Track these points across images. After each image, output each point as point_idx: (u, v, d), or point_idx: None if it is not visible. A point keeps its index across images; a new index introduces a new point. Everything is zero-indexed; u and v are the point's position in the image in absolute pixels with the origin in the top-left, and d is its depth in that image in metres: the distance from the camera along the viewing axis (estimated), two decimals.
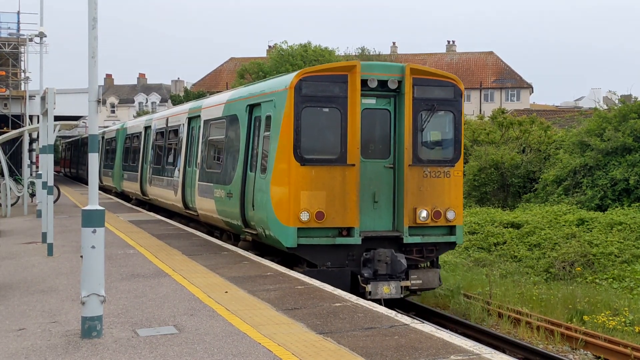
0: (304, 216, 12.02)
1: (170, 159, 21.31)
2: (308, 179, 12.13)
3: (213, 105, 17.22)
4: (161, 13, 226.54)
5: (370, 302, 9.18)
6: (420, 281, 12.68)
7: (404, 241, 12.49)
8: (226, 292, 9.87)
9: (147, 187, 24.51)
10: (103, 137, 36.05)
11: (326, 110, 12.39)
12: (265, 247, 13.79)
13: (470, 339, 11.23)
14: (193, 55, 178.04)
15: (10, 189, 25.47)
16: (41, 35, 29.98)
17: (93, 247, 7.59)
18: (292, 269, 12.15)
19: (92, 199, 7.86)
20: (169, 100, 79.58)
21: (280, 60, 53.16)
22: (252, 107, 14.14)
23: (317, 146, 12.46)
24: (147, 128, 25.72)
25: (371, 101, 12.73)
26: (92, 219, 7.62)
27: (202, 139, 17.57)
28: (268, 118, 13.11)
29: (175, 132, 20.98)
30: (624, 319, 14.02)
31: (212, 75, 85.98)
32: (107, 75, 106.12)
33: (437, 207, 12.70)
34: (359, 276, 12.19)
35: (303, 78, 12.30)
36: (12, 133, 29.30)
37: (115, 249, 14.22)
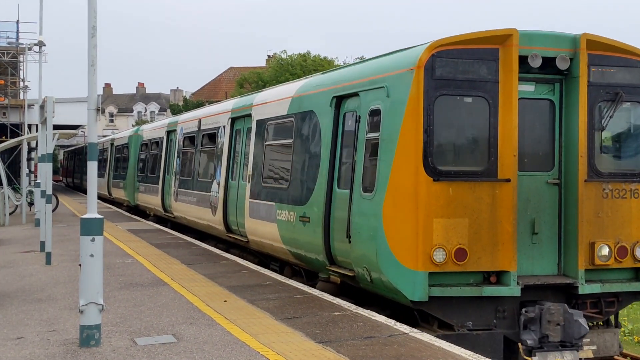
0: (439, 255, 8.51)
1: (205, 170, 17.80)
2: (443, 200, 8.59)
3: (272, 101, 13.64)
4: (160, 22, 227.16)
5: (369, 311, 9.15)
6: (594, 346, 9.07)
7: (579, 291, 8.93)
8: (225, 301, 9.84)
9: (171, 202, 20.95)
10: (112, 144, 33.44)
11: (469, 100, 8.90)
12: (365, 295, 10.19)
13: None
14: (192, 64, 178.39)
15: (9, 197, 25.43)
16: (40, 44, 30.04)
17: (91, 255, 7.58)
18: (414, 326, 8.73)
19: (91, 207, 7.85)
20: (168, 110, 79.68)
21: (280, 69, 53.19)
22: (340, 100, 10.67)
23: (457, 153, 9.08)
24: (170, 133, 22.14)
25: (528, 88, 9.21)
26: (90, 228, 7.61)
27: (255, 144, 13.91)
28: (374, 113, 9.54)
29: (212, 136, 17.42)
30: (622, 329, 14.00)
31: (211, 85, 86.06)
32: (105, 84, 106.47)
33: (621, 240, 9.19)
34: (519, 344, 8.77)
35: (437, 53, 8.67)
36: (10, 142, 29.35)
37: (113, 258, 14.19)
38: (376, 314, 8.98)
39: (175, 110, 62.85)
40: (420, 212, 8.54)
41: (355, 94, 10.16)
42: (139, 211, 27.31)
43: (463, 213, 8.65)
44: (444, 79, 8.72)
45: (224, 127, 16.14)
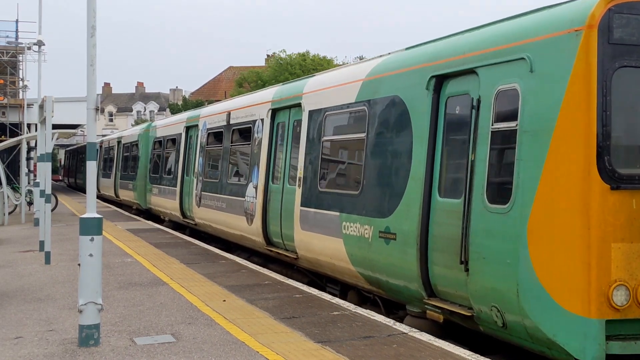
0: (620, 296, 6.22)
1: (237, 171, 15.58)
2: (625, 217, 6.30)
3: (332, 87, 11.20)
4: (159, 22, 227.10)
5: (368, 311, 9.15)
6: None
7: None
8: (224, 300, 9.83)
9: (192, 207, 18.46)
10: (120, 142, 31.24)
11: None
12: (485, 340, 7.94)
13: None
14: (191, 64, 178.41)
15: (8, 197, 25.41)
16: (39, 43, 30.00)
17: (91, 255, 7.57)
18: None
19: (90, 207, 7.84)
20: (167, 109, 79.65)
21: (279, 69, 53.20)
22: (441, 80, 8.27)
23: None
24: (190, 128, 19.77)
25: None
26: (89, 227, 7.60)
27: (308, 140, 11.60)
28: (505, 96, 7.17)
29: (245, 131, 14.98)
30: None
31: (211, 84, 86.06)
32: (105, 84, 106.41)
33: None
34: None
35: (616, 7, 6.37)
36: (10, 141, 29.30)
37: (113, 258, 14.18)
38: (375, 314, 8.98)
39: (175, 110, 62.84)
40: (592, 233, 6.17)
41: (469, 72, 7.75)
42: (151, 215, 25.04)
43: None
44: (627, 43, 6.37)
45: (262, 120, 13.75)
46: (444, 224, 7.86)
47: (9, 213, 25.22)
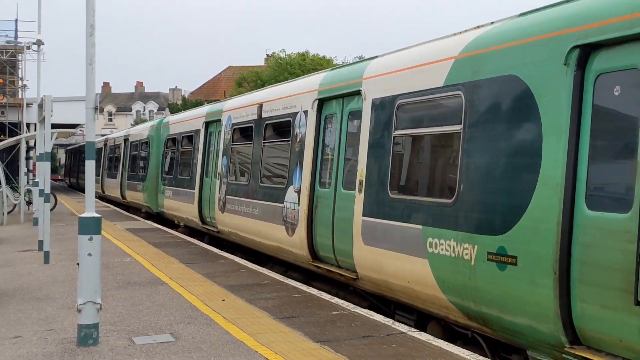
0: None
1: (273, 172, 13.59)
2: None
3: (406, 69, 9.10)
4: (159, 22, 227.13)
5: (367, 311, 9.14)
6: None
7: None
8: (223, 300, 9.83)
9: (214, 213, 16.42)
10: (127, 140, 29.11)
11: None
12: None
13: None
14: (191, 63, 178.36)
15: (7, 196, 25.41)
16: (39, 42, 29.99)
17: (89, 254, 7.56)
18: None
19: (89, 206, 7.84)
20: (167, 109, 79.65)
21: (279, 68, 53.22)
22: (588, 51, 6.28)
23: None
24: (210, 124, 17.82)
25: None
26: (88, 227, 7.59)
27: (372, 135, 9.58)
28: None
29: (282, 126, 13.06)
30: None
31: (210, 84, 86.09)
32: (104, 83, 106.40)
33: None
34: None
35: None
36: (9, 141, 29.29)
37: (112, 257, 14.17)
38: (375, 314, 8.98)
39: (174, 110, 62.78)
40: None
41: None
42: (162, 219, 23.04)
43: None
44: None
45: (305, 112, 11.83)
46: (597, 246, 5.91)
47: (8, 212, 25.22)
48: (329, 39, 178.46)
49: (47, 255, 13.81)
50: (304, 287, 10.82)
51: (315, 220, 11.09)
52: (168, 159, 22.02)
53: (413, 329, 8.14)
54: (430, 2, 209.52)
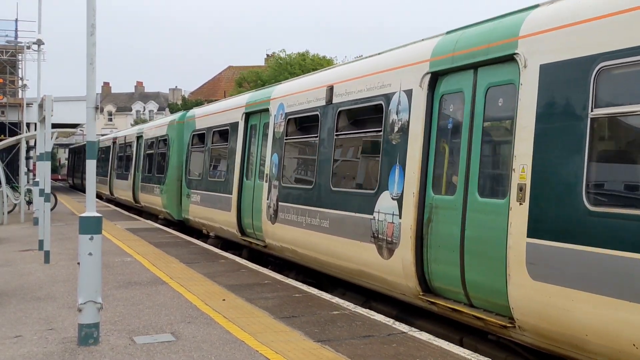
0: None
1: (350, 173, 11.14)
2: None
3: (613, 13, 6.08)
4: (159, 21, 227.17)
5: (368, 310, 9.14)
6: None
7: None
8: (224, 299, 9.83)
9: (260, 223, 13.35)
10: (141, 137, 26.26)
11: None
12: None
13: None
14: (191, 63, 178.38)
15: (7, 196, 25.42)
16: (39, 42, 29.98)
17: (90, 254, 7.56)
18: None
19: (90, 206, 7.83)
20: (167, 109, 79.67)
21: (279, 68, 53.25)
22: None
23: None
24: (251, 115, 14.79)
25: None
26: (89, 226, 7.59)
27: (543, 118, 6.74)
28: None
29: (366, 113, 10.36)
30: None
31: (210, 84, 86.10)
32: (104, 83, 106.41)
33: None
34: None
35: None
36: (9, 140, 29.33)
37: (112, 257, 14.18)
38: (375, 313, 8.98)
39: (174, 109, 62.74)
40: None
41: None
42: (186, 228, 20.15)
43: None
44: None
45: (407, 92, 9.00)
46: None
47: (8, 212, 25.22)
48: (329, 39, 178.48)
49: (47, 254, 13.81)
50: (304, 287, 10.82)
51: (428, 240, 8.32)
52: (195, 159, 19.03)
53: (413, 329, 8.14)
54: (430, 2, 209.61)
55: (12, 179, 33.66)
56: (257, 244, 13.86)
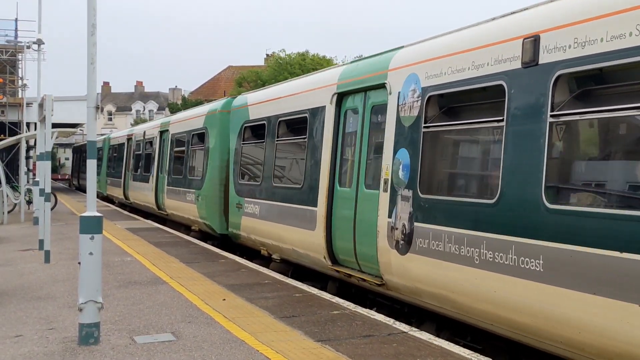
0: None
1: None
2: None
3: None
4: (158, 21, 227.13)
5: (368, 310, 9.15)
6: None
7: None
8: (224, 299, 9.84)
9: (378, 251, 9.34)
10: (165, 132, 22.17)
11: None
12: None
13: None
14: (190, 63, 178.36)
15: (7, 196, 25.42)
16: (39, 42, 29.97)
17: (90, 253, 7.57)
18: None
19: (90, 205, 7.84)
20: (167, 109, 79.66)
21: (279, 68, 53.29)
22: None
23: None
24: (349, 95, 10.64)
25: None
26: (89, 226, 7.60)
27: None
28: None
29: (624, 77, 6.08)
30: None
31: (210, 84, 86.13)
32: (104, 83, 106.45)
33: None
34: None
35: None
36: (9, 140, 29.34)
37: (112, 257, 14.18)
38: (375, 313, 8.98)
39: (174, 109, 62.68)
40: None
41: None
42: (232, 245, 16.11)
43: None
44: None
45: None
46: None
47: (8, 212, 25.23)
48: (329, 39, 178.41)
49: (47, 254, 13.82)
50: (304, 287, 10.83)
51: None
52: (249, 158, 14.91)
53: (414, 329, 8.14)
54: (430, 2, 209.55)
55: (12, 179, 33.66)
56: (364, 279, 9.82)
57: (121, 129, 43.55)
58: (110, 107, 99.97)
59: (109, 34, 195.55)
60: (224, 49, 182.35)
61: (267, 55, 70.94)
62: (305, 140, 11.85)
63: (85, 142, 50.99)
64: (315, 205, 11.17)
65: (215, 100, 22.43)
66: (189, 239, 17.62)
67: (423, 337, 7.69)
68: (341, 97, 10.34)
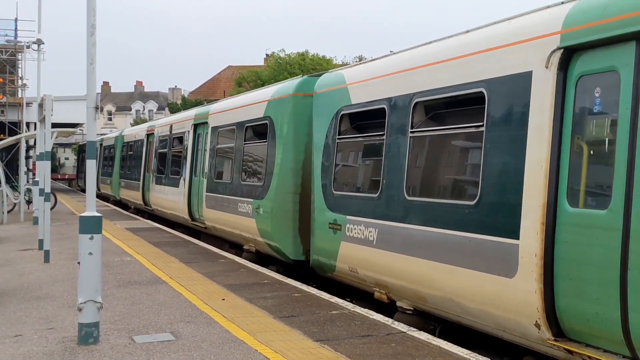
0: None
1: None
2: None
3: None
4: (158, 21, 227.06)
5: (367, 310, 9.17)
6: None
7: None
8: (223, 299, 9.85)
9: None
10: (199, 126, 18.36)
11: None
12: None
13: None
14: (190, 63, 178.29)
15: (7, 195, 25.43)
16: (39, 42, 29.98)
17: (90, 253, 7.58)
18: None
19: (90, 205, 7.85)
20: (166, 108, 79.64)
21: (278, 68, 53.28)
22: None
23: None
24: (574, 54, 6.18)
25: None
26: (89, 226, 7.61)
27: None
28: None
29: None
30: None
31: (210, 84, 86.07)
32: (104, 82, 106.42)
33: None
34: None
35: None
36: (9, 140, 29.35)
37: (112, 256, 14.19)
38: (374, 313, 9.00)
39: (174, 109, 62.66)
40: None
41: None
42: (310, 277, 12.15)
43: None
44: None
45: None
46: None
47: (8, 212, 25.23)
48: (329, 39, 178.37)
49: (47, 254, 13.83)
50: (303, 287, 10.85)
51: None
52: (355, 158, 10.90)
53: (412, 328, 8.16)
54: (430, 2, 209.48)
55: (11, 179, 33.67)
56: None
57: (121, 129, 43.38)
58: (110, 107, 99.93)
59: (109, 34, 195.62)
60: (224, 49, 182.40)
61: (267, 55, 70.91)
62: (481, 129, 7.36)
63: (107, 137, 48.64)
64: (513, 235, 6.70)
65: (215, 100, 20.50)
66: (189, 239, 17.61)
67: (421, 337, 7.70)
68: (569, 54, 6.14)
